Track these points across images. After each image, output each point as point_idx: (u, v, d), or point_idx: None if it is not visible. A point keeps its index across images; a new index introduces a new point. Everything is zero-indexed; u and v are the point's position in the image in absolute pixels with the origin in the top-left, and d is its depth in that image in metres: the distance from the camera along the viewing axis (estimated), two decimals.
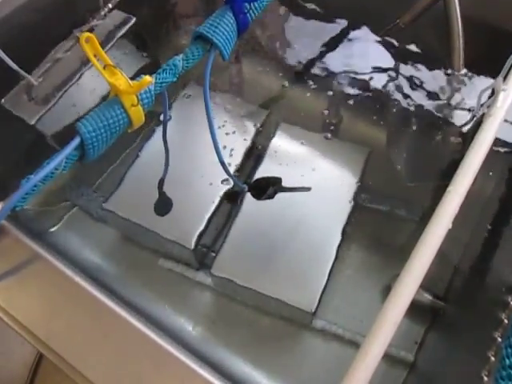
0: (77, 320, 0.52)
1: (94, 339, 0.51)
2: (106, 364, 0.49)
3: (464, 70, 0.63)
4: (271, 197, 0.50)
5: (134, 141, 0.70)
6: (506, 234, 0.54)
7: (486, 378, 0.34)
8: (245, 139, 0.65)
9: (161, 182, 0.52)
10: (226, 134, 0.66)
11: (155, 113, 0.62)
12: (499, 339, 0.35)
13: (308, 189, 0.55)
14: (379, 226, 0.65)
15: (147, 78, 0.34)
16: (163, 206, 0.53)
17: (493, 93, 0.45)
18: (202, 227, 0.60)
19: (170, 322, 0.61)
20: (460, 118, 0.66)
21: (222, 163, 0.44)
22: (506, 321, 0.35)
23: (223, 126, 0.66)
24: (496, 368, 0.31)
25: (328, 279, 0.56)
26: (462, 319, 0.51)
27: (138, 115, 0.37)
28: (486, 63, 0.63)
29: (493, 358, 0.34)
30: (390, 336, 0.34)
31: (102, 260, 0.64)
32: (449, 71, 0.66)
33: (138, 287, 0.62)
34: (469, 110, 0.66)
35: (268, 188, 0.48)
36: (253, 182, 0.50)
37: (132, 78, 0.36)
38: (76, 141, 0.34)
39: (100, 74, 0.35)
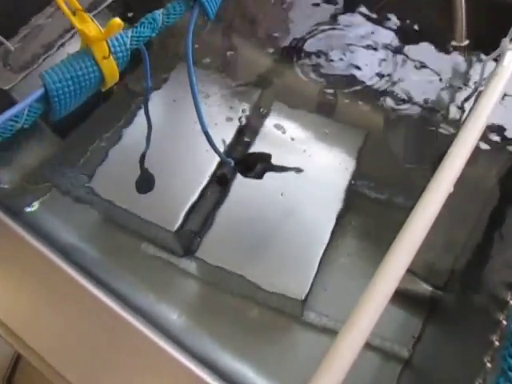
0: (53, 305, 0.50)
1: (71, 326, 0.49)
2: (87, 352, 0.47)
3: (466, 42, 0.60)
4: (260, 176, 0.47)
5: (119, 120, 0.67)
6: (507, 224, 0.52)
7: (488, 365, 0.30)
8: (235, 119, 0.62)
9: (142, 158, 0.49)
10: (216, 113, 0.62)
11: (140, 92, 0.60)
12: (504, 322, 0.31)
13: (299, 170, 0.52)
14: (375, 214, 0.62)
15: (116, 20, 0.31)
16: (145, 183, 0.49)
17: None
18: (186, 209, 0.56)
19: (152, 311, 0.57)
20: (462, 94, 0.63)
21: (206, 134, 0.41)
22: (511, 302, 0.32)
23: (213, 105, 0.63)
24: (503, 346, 0.27)
25: (320, 267, 0.53)
26: (462, 307, 0.48)
27: (110, 70, 0.34)
28: (487, 39, 0.60)
29: (497, 343, 0.31)
30: (376, 314, 0.30)
31: (81, 243, 0.61)
32: (450, 46, 0.63)
33: (119, 273, 0.59)
34: (469, 86, 0.62)
35: (256, 165, 0.45)
36: (240, 158, 0.46)
37: None
38: (39, 91, 0.31)
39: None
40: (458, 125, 0.60)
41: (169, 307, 0.58)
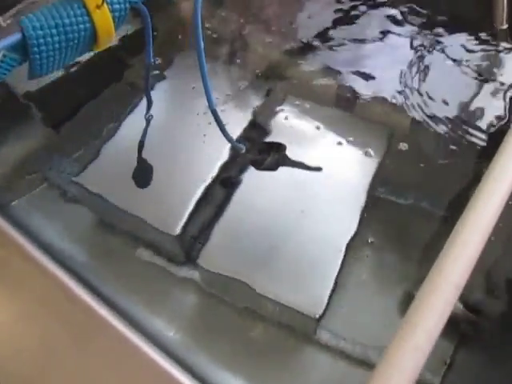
0: (34, 308, 0.46)
1: (51, 331, 0.44)
2: (71, 368, 0.43)
3: (506, 26, 0.55)
4: (273, 168, 0.42)
5: (121, 113, 0.63)
6: None
7: None
8: (246, 113, 0.58)
9: (141, 146, 0.44)
10: (225, 107, 0.58)
11: (140, 86, 0.55)
12: None
13: (319, 168, 0.47)
14: (399, 222, 0.56)
15: None
16: (142, 174, 0.44)
17: None
18: (189, 210, 0.51)
19: (146, 324, 0.51)
20: (503, 87, 0.57)
21: (214, 112, 0.36)
22: None
23: (222, 98, 0.59)
24: None
25: (336, 282, 0.48)
26: (507, 329, 0.41)
27: (104, 23, 0.29)
28: None
29: None
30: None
31: (70, 244, 0.56)
32: (486, 34, 0.58)
33: (110, 280, 0.53)
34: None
35: (269, 155, 0.40)
36: (253, 145, 0.41)
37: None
38: (15, 36, 0.26)
39: None
40: (500, 117, 0.54)
41: (164, 321, 0.52)
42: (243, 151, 0.39)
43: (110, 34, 0.30)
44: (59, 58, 0.28)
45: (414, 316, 0.21)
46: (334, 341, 0.50)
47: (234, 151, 0.48)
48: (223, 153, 0.53)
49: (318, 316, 0.46)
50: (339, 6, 0.70)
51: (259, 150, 0.41)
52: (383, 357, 0.21)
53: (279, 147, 0.41)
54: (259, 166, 0.41)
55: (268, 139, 0.54)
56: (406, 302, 0.52)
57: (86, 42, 0.29)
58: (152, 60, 0.38)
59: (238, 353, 0.50)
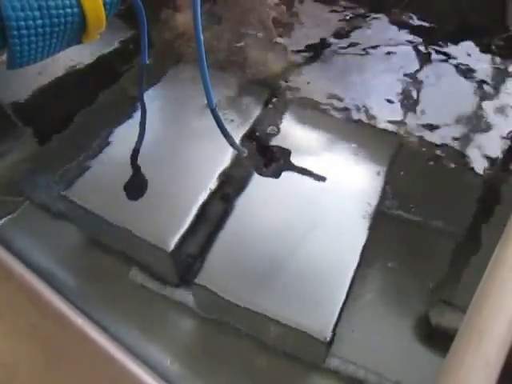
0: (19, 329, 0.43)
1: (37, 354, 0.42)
2: None
3: None
4: (275, 175, 0.39)
5: (109, 127, 0.60)
6: None
7: None
8: (247, 123, 0.56)
9: (135, 155, 0.41)
10: (225, 117, 0.56)
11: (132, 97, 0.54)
12: None
13: (323, 178, 0.44)
14: (410, 240, 0.53)
15: None
16: (136, 186, 0.41)
17: None
18: (185, 225, 0.49)
19: (139, 354, 0.47)
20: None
21: (214, 112, 0.33)
22: None
23: (222, 106, 0.57)
24: None
25: (345, 303, 0.45)
26: None
27: (94, 7, 0.26)
28: None
29: None
30: None
31: (57, 266, 0.53)
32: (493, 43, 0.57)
33: (100, 304, 0.50)
34: None
35: (273, 160, 0.37)
36: (257, 148, 0.39)
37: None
38: None
39: None
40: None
41: (159, 350, 0.49)
42: (245, 155, 0.36)
43: (100, 22, 0.27)
44: (43, 45, 0.25)
45: (479, 320, 0.16)
46: (344, 367, 0.46)
47: (234, 161, 0.45)
48: (223, 162, 0.51)
49: (327, 339, 0.42)
50: (342, 16, 0.70)
51: (263, 154, 0.38)
52: (441, 377, 0.17)
53: (283, 153, 0.38)
54: (262, 172, 0.38)
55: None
56: (422, 324, 0.48)
57: (74, 29, 0.26)
58: (147, 61, 0.36)
59: None
